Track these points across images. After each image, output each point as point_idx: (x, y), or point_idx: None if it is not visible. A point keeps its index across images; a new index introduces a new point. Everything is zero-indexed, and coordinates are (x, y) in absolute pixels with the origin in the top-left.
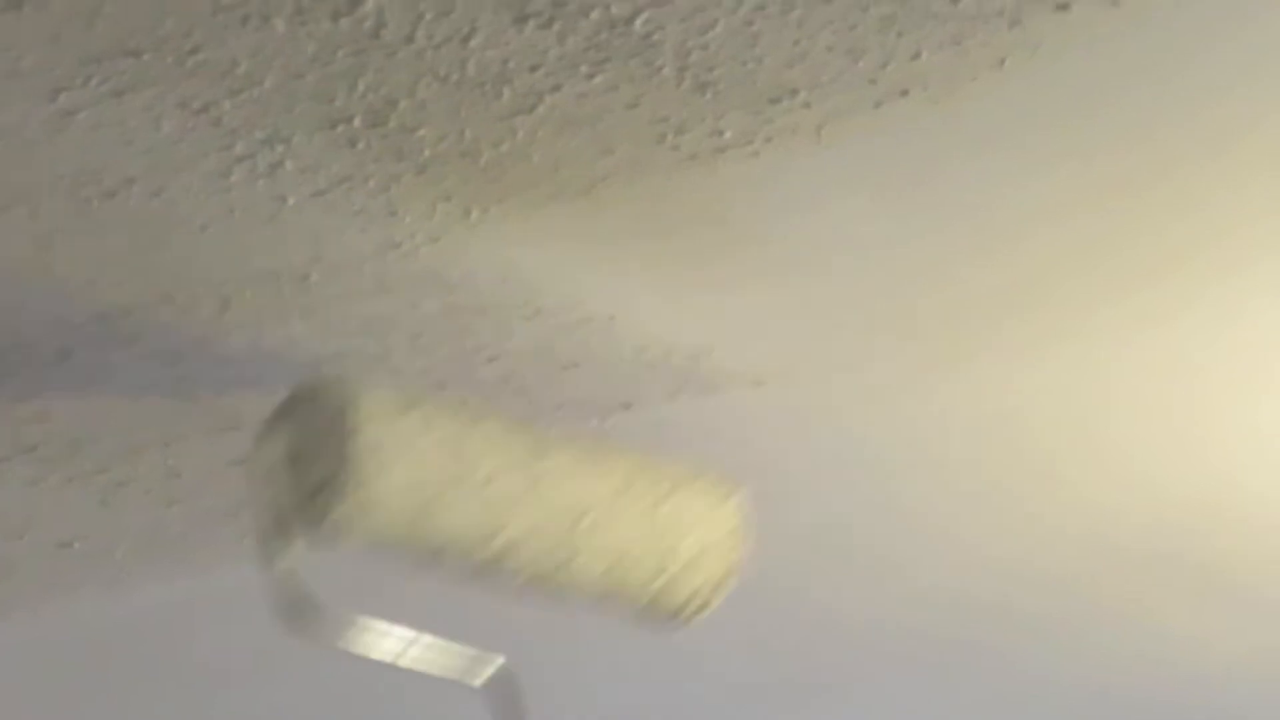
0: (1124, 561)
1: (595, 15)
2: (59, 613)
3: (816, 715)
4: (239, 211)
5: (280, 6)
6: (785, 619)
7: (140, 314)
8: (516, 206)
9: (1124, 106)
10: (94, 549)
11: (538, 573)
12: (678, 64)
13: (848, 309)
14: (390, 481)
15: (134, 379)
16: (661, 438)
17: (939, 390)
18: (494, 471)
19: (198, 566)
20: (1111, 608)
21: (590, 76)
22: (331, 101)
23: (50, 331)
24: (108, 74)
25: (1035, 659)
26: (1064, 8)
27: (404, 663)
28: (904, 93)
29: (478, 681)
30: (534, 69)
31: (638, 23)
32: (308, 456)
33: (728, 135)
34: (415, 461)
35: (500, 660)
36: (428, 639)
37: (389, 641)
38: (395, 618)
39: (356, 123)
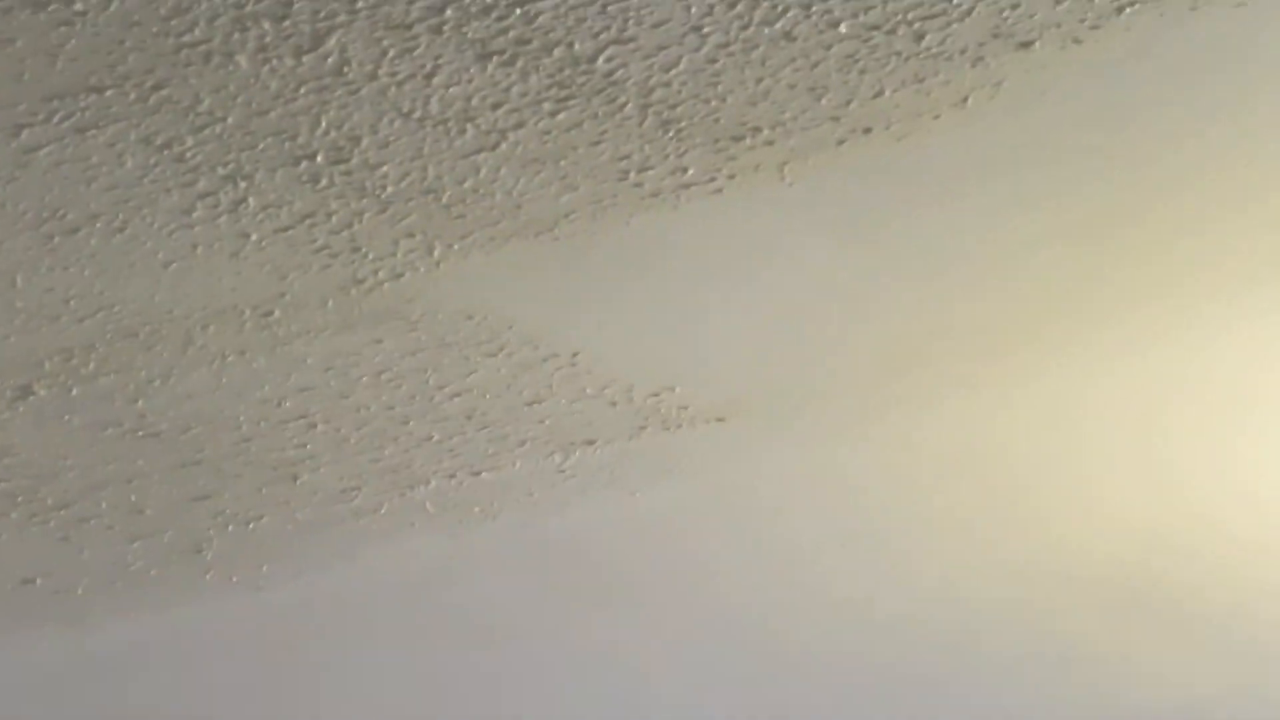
0: (1094, 598)
1: (558, 53)
2: (21, 649)
3: None
4: (202, 248)
5: (243, 44)
6: (752, 653)
7: (102, 350)
8: (479, 243)
9: (1086, 147)
10: (56, 585)
11: None
12: (640, 102)
13: (811, 346)
14: None
15: (96, 415)
16: (625, 473)
17: (907, 426)
18: None
19: (160, 602)
20: (1081, 644)
21: (553, 114)
22: (294, 138)
23: (12, 367)
24: (70, 110)
25: (1004, 695)
26: (1026, 45)
27: None
28: (867, 130)
29: None
30: (496, 106)
31: (600, 61)
32: None
33: (691, 173)
34: None
35: None
36: None
37: None
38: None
39: (319, 160)
